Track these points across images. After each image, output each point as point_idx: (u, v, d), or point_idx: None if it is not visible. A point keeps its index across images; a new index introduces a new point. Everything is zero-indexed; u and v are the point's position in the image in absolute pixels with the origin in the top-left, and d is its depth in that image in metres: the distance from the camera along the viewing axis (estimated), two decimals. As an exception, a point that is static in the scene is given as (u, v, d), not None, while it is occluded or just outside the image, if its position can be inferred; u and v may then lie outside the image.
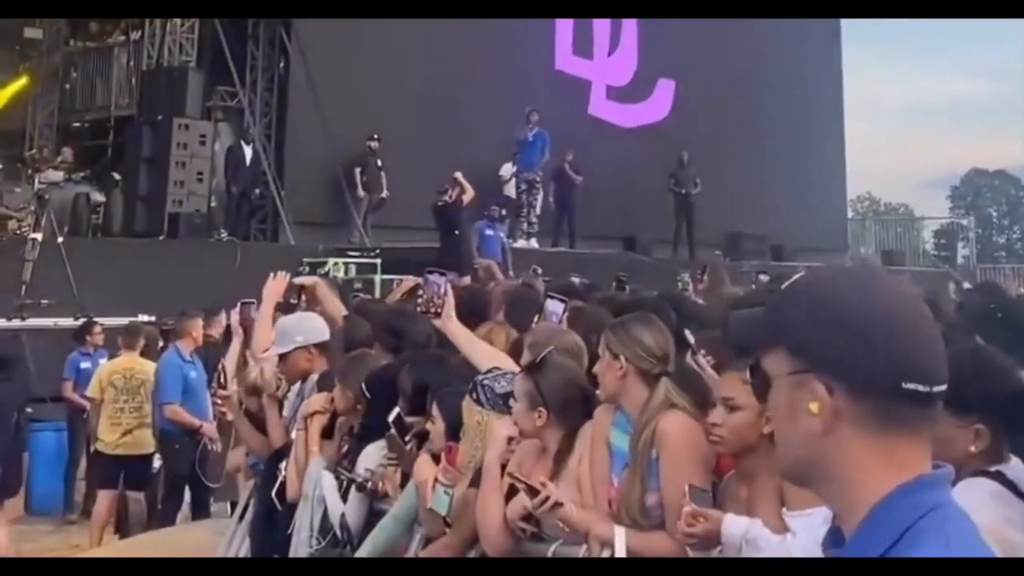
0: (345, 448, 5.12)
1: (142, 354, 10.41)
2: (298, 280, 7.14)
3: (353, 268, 15.96)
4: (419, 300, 5.09)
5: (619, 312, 4.54)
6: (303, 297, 6.95)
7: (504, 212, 17.94)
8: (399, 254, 15.87)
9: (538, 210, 19.57)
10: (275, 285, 6.78)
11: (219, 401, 6.55)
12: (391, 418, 4.52)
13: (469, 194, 16.08)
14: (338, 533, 4.80)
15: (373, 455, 4.80)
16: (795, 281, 1.67)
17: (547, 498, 3.58)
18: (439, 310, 4.94)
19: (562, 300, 5.53)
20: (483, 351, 4.87)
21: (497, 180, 19.17)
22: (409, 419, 4.57)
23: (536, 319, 5.54)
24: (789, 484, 3.17)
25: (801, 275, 1.70)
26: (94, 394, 10.19)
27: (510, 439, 3.98)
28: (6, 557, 5.11)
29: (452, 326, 4.96)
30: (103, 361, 10.89)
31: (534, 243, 19.11)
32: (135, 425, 10.06)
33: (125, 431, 10.05)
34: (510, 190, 18.73)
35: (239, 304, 6.98)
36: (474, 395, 4.21)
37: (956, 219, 42.37)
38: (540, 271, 13.23)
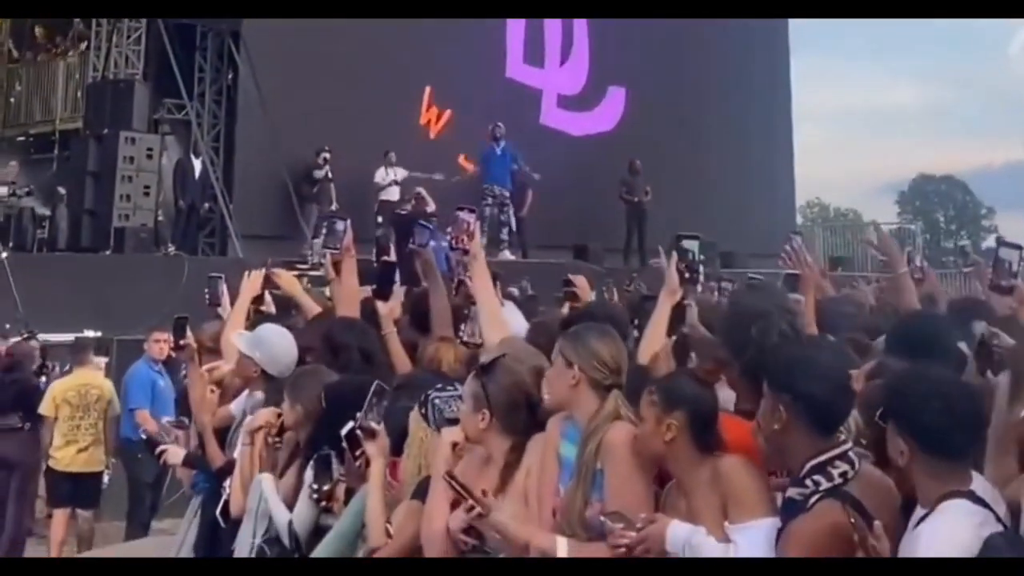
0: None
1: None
2: (273, 271, 7.18)
3: (304, 281, 15.76)
4: (449, 237, 5.06)
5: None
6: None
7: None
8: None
9: (513, 226, 19.38)
10: (251, 283, 6.82)
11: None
12: (344, 432, 4.42)
13: (431, 206, 16.01)
14: (286, 541, 4.74)
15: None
16: None
17: (472, 506, 3.55)
18: (467, 247, 4.93)
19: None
20: (493, 309, 4.89)
21: (454, 190, 18.93)
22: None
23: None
24: (734, 497, 3.22)
25: None
26: (47, 412, 10.03)
27: (455, 444, 3.94)
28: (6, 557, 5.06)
29: (478, 265, 4.98)
30: None
31: (507, 254, 18.89)
32: (90, 442, 9.98)
33: (81, 448, 9.96)
34: (390, 195, 18.48)
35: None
36: (423, 410, 4.16)
37: (904, 224, 42.75)
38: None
